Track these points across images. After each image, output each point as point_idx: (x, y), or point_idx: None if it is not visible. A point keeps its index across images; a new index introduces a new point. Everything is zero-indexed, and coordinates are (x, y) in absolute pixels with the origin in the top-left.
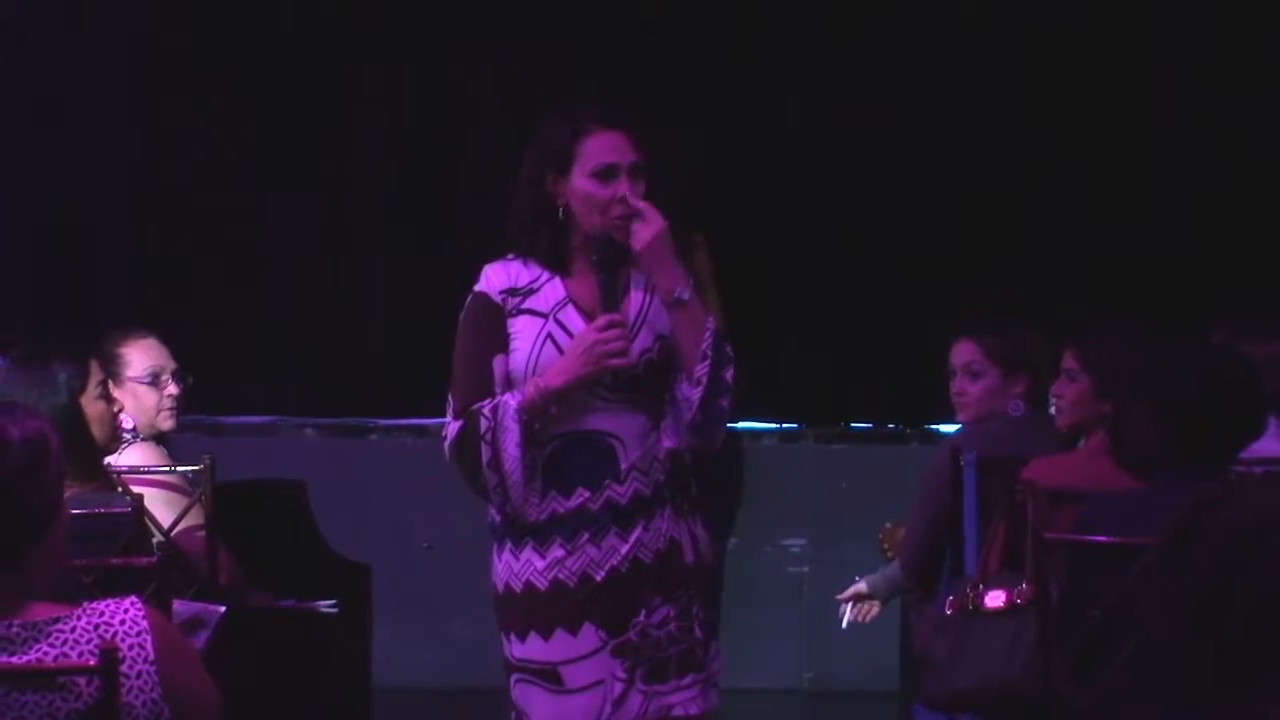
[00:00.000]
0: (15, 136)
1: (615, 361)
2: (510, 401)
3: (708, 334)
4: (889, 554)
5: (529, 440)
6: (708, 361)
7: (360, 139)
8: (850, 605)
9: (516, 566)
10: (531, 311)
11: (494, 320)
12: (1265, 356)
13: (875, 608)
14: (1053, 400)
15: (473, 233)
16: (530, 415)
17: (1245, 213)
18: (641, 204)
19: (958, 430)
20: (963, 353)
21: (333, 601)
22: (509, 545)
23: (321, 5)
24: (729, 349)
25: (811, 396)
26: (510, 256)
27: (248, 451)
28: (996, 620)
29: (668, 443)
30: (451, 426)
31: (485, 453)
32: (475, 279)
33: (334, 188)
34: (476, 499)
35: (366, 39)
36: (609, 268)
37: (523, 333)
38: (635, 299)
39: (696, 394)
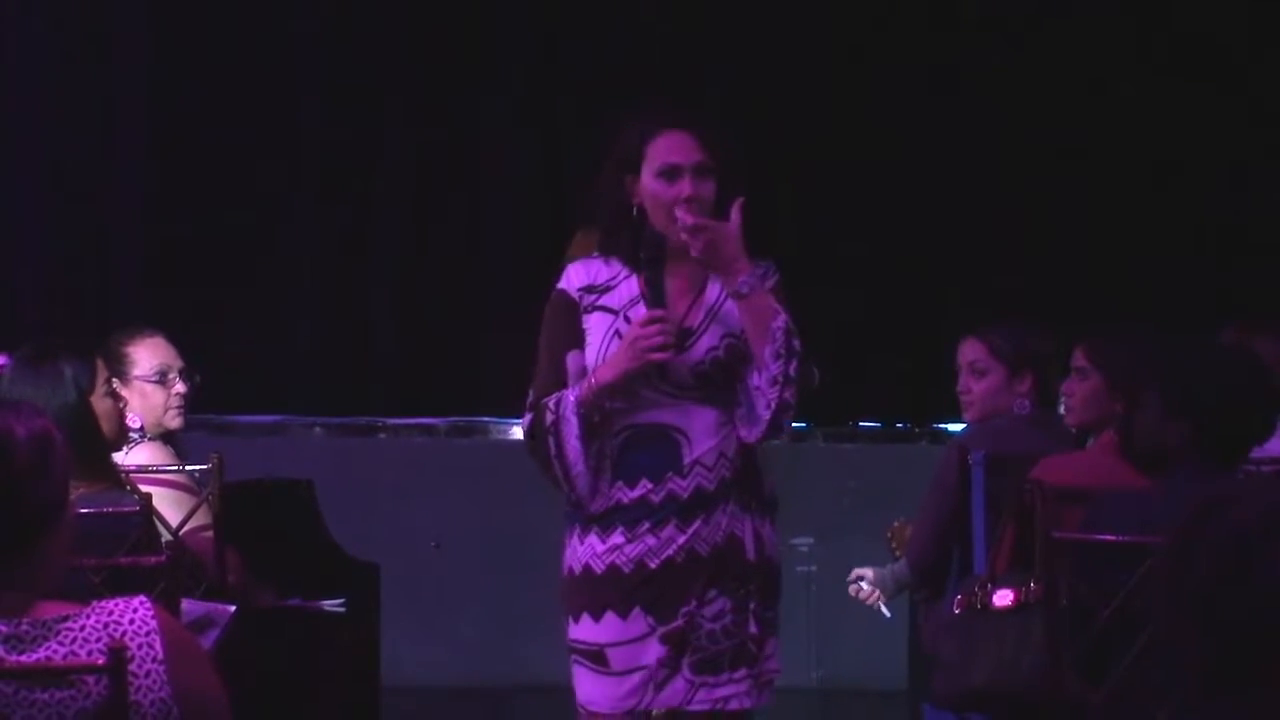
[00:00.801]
0: (28, 134)
1: (657, 356)
2: (570, 396)
3: (777, 329)
4: (897, 552)
5: (589, 432)
6: (776, 357)
7: (372, 140)
8: (861, 585)
9: (580, 550)
10: (605, 308)
11: (570, 317)
12: (1274, 355)
13: (876, 593)
14: (1063, 398)
15: (483, 234)
16: (587, 408)
17: (1254, 213)
18: (691, 218)
19: (966, 429)
20: (969, 351)
21: (340, 600)
22: (577, 530)
23: (336, 7)
24: (797, 343)
25: (819, 396)
26: (595, 255)
27: (256, 450)
28: (1005, 619)
29: (744, 435)
30: (525, 418)
31: (551, 445)
32: (486, 279)
33: (345, 188)
34: (484, 498)
35: (379, 39)
36: (654, 265)
37: (595, 329)
38: (709, 295)
39: (764, 386)
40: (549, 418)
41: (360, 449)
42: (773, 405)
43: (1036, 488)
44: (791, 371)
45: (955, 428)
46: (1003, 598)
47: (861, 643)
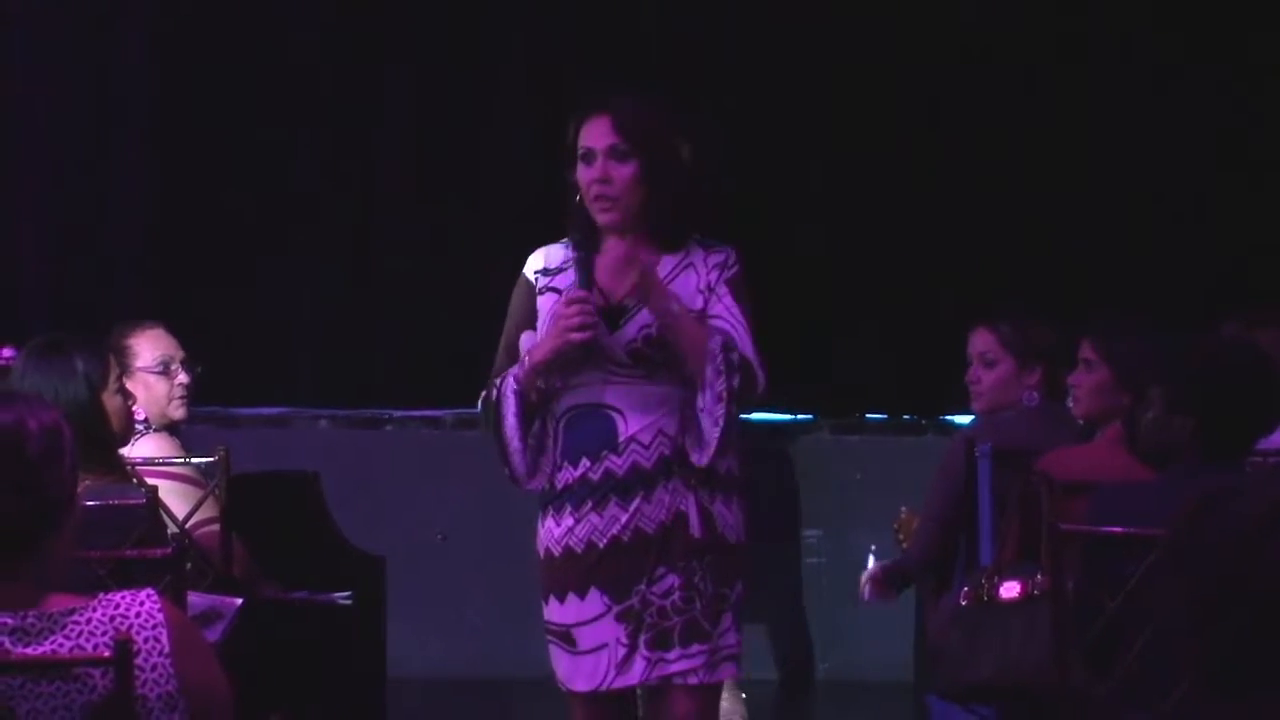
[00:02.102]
0: (28, 125)
1: (576, 336)
2: (510, 374)
3: (714, 348)
4: (904, 543)
5: (527, 411)
6: (718, 374)
7: (377, 132)
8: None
9: (543, 534)
10: (553, 289)
11: (526, 298)
12: (1278, 347)
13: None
14: (1070, 389)
15: (487, 225)
16: (523, 387)
17: (1258, 205)
18: (578, 319)
19: (973, 421)
20: (979, 341)
21: (347, 593)
22: (540, 513)
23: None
24: (736, 357)
25: (827, 388)
26: (564, 240)
27: (262, 443)
28: (1011, 611)
29: (696, 459)
30: (481, 396)
31: (496, 422)
32: (488, 271)
33: (350, 180)
34: (490, 490)
35: (383, 33)
36: (584, 246)
37: (544, 310)
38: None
39: (709, 405)
40: (494, 395)
41: (366, 441)
42: (720, 422)
43: (1043, 480)
44: (735, 385)
45: (962, 420)
46: (1009, 590)
47: (868, 634)
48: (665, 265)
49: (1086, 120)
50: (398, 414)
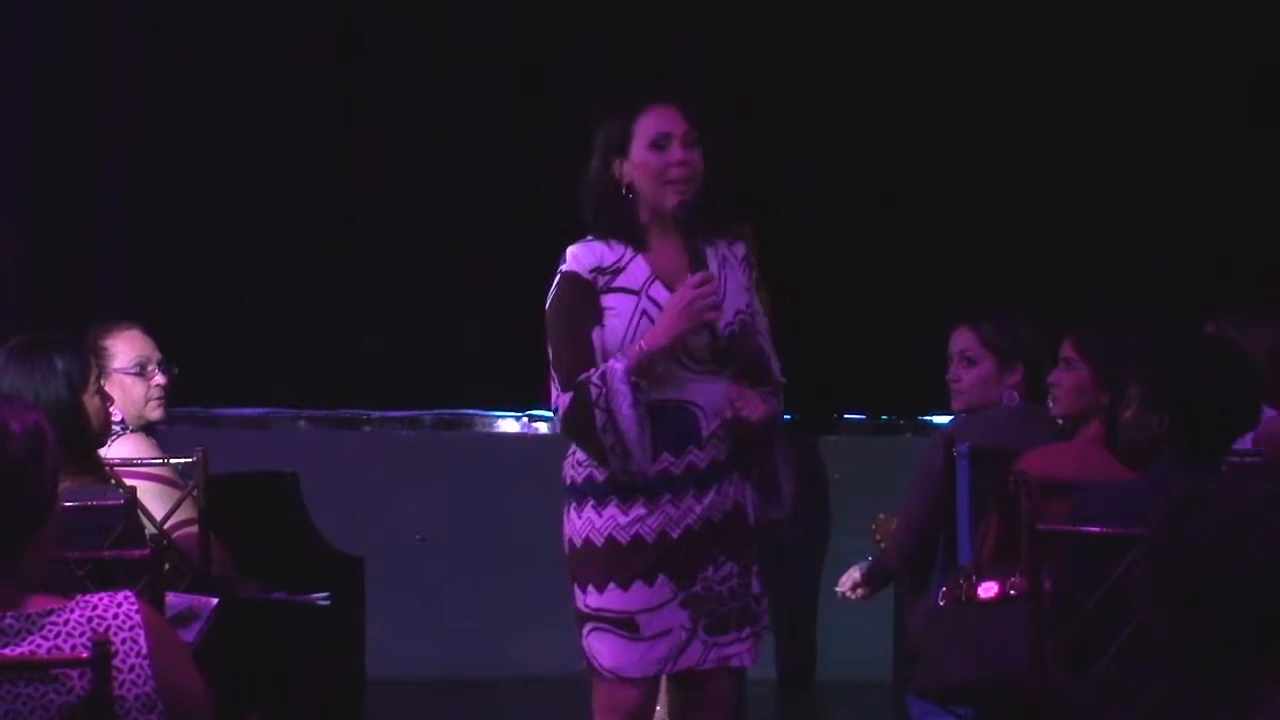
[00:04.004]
0: (13, 125)
1: (712, 315)
2: (617, 366)
3: (777, 421)
4: (882, 544)
5: (640, 400)
6: (781, 444)
7: (358, 134)
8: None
9: (599, 522)
10: (624, 289)
11: (587, 296)
12: (1258, 347)
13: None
14: (1050, 387)
15: (465, 227)
16: (638, 375)
17: (1240, 205)
18: (742, 402)
19: (951, 421)
20: (961, 339)
21: (326, 593)
22: (591, 502)
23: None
24: (777, 402)
25: (805, 388)
26: (590, 239)
27: (240, 443)
28: (990, 611)
29: (776, 514)
30: (561, 399)
31: (599, 418)
32: (471, 271)
33: (329, 180)
34: (469, 490)
35: (371, 36)
36: (693, 229)
37: (618, 309)
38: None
39: (781, 472)
40: (594, 391)
41: (345, 442)
42: (791, 479)
43: (1021, 480)
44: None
45: (941, 420)
46: (987, 590)
47: (846, 635)
48: (712, 258)
49: (1088, 121)
50: (377, 415)
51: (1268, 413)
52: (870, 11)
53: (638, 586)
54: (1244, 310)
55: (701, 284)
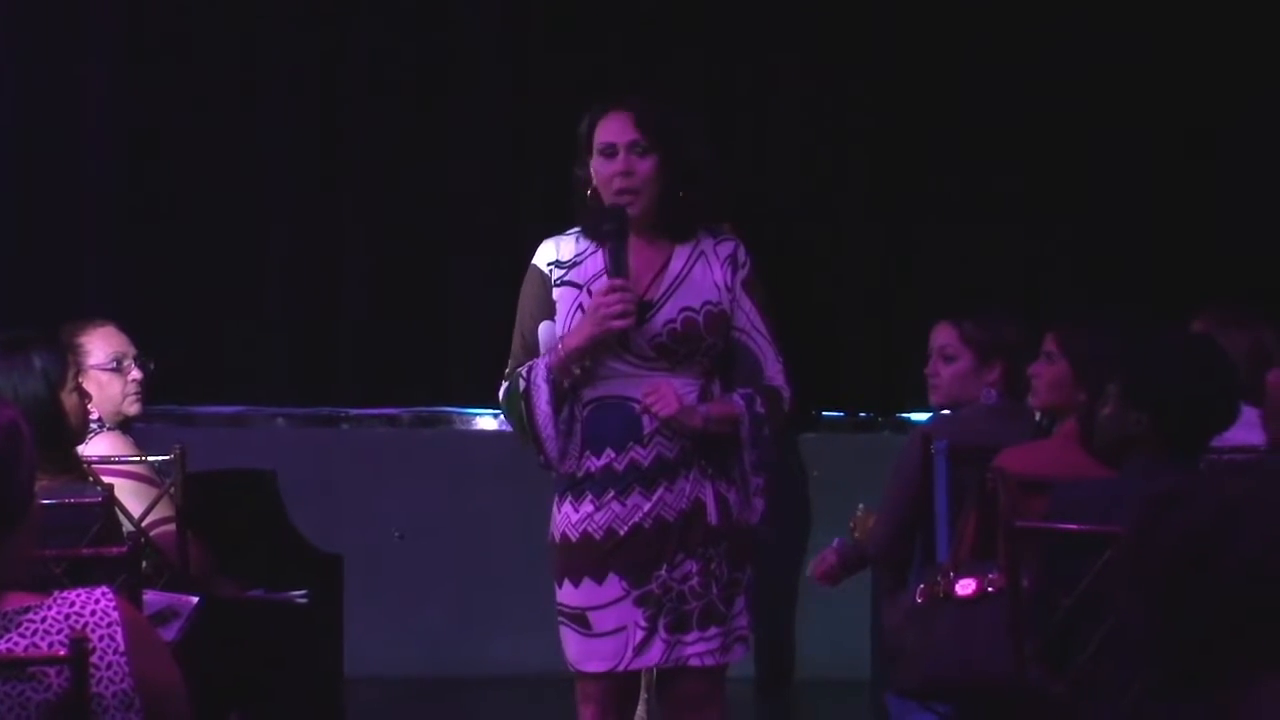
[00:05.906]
0: None
1: (617, 323)
2: (541, 364)
3: (741, 415)
4: (859, 540)
5: (559, 398)
6: (753, 443)
7: (339, 131)
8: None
9: (558, 518)
10: (571, 283)
11: (541, 290)
12: (1244, 345)
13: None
14: (1030, 378)
15: (445, 222)
16: (557, 374)
17: (1230, 204)
18: (654, 397)
19: (930, 418)
20: (940, 335)
21: (304, 591)
22: (557, 498)
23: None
24: (761, 409)
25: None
26: (566, 233)
27: (219, 441)
28: (968, 608)
29: (749, 519)
30: (501, 388)
31: (523, 410)
32: (450, 269)
33: (310, 179)
34: (447, 489)
35: (354, 36)
36: (614, 236)
37: (562, 302)
38: (672, 269)
39: (750, 476)
40: (521, 385)
41: (323, 440)
42: (760, 490)
43: (999, 477)
44: (766, 433)
45: (919, 418)
46: (965, 587)
47: (826, 633)
48: (680, 256)
49: (1086, 119)
50: (355, 412)
51: (1247, 412)
52: (864, 9)
53: (588, 583)
54: (1228, 310)
55: (608, 292)
